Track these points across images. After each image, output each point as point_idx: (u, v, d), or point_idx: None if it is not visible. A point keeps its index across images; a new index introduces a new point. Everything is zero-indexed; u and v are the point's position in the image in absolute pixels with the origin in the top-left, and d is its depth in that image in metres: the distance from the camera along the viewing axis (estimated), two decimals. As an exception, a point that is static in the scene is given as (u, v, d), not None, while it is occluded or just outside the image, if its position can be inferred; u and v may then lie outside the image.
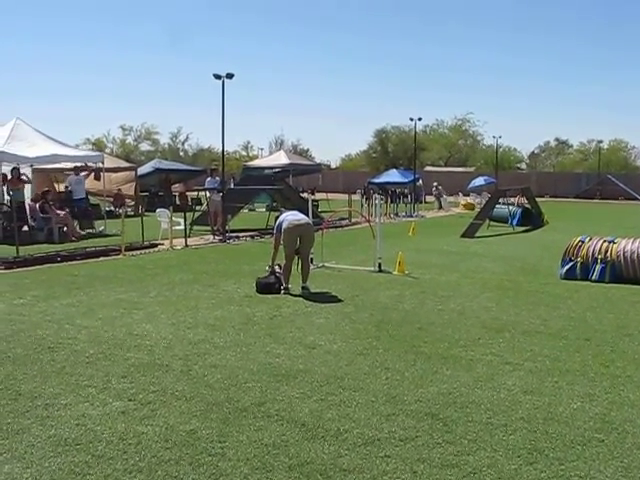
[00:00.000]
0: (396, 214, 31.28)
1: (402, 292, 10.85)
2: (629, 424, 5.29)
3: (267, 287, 10.77)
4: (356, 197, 33.58)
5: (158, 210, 20.44)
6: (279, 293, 10.64)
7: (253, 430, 5.13)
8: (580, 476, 4.42)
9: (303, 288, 10.76)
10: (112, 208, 27.06)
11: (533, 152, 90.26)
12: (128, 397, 5.83)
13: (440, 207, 37.99)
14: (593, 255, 12.43)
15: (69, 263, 14.24)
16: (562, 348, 7.55)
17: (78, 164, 22.75)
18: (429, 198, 41.67)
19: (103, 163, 22.94)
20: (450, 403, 5.72)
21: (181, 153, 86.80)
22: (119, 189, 29.17)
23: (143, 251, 16.35)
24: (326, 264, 13.67)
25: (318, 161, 72.05)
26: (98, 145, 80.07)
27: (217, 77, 19.67)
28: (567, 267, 12.60)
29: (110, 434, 5.01)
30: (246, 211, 28.08)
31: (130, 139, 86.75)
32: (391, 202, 32.62)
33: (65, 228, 19.08)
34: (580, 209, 39.36)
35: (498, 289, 11.29)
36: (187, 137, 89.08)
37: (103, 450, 4.74)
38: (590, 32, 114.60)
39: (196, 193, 27.22)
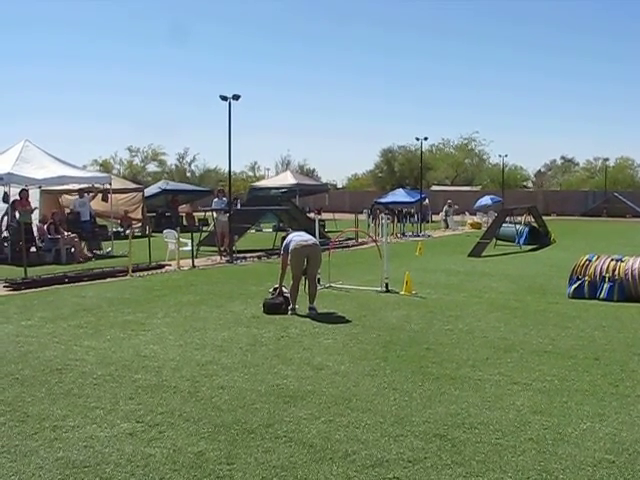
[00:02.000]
0: (403, 234, 31.29)
1: (409, 312, 10.83)
2: None
3: (274, 308, 10.77)
4: (363, 217, 33.61)
5: (165, 231, 20.50)
6: (286, 314, 10.63)
7: (261, 452, 5.12)
8: (590, 498, 4.39)
9: (310, 309, 10.75)
10: (119, 229, 27.15)
11: (539, 170, 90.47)
12: (136, 419, 5.83)
13: (447, 226, 37.97)
14: (601, 274, 12.39)
15: (77, 284, 14.28)
16: (571, 368, 7.52)
17: (84, 186, 22.87)
18: (435, 217, 41.68)
19: (110, 184, 23.07)
20: (458, 424, 5.70)
21: (188, 174, 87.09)
22: (126, 210, 29.28)
23: (150, 272, 16.39)
24: (333, 284, 13.66)
25: (324, 181, 72.19)
26: (105, 166, 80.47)
27: (224, 98, 19.76)
28: (575, 286, 12.56)
29: (118, 456, 5.00)
30: (253, 231, 28.11)
31: (137, 160, 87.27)
32: (398, 222, 32.66)
33: (73, 249, 19.15)
34: (587, 227, 39.27)
35: (506, 308, 11.26)
36: (194, 158, 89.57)
37: (111, 472, 4.73)
38: (594, 50, 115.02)
39: (203, 214, 27.29)
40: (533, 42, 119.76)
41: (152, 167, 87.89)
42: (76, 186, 22.95)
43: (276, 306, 10.79)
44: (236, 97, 19.75)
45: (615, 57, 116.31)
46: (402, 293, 12.73)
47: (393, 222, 31.58)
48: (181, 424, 5.71)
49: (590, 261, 12.77)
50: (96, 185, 23.22)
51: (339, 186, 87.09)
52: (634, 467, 4.84)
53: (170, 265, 17.57)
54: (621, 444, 5.26)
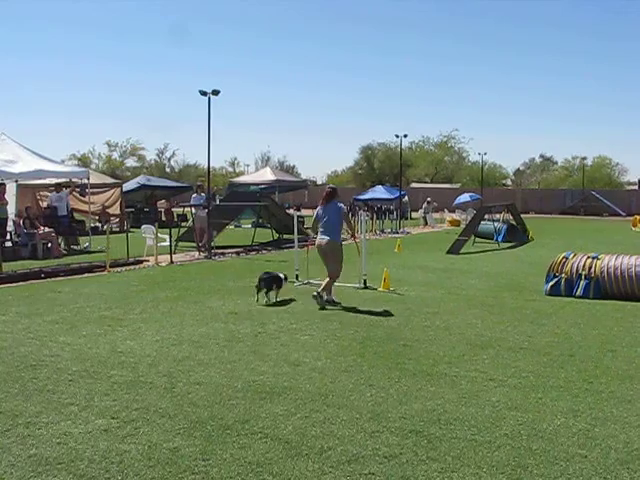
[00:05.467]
0: (382, 230, 31.34)
1: (387, 309, 10.84)
2: (612, 440, 5.30)
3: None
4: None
5: (143, 226, 20.40)
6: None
7: (237, 448, 5.10)
8: (564, 493, 4.42)
9: (315, 295, 10.99)
10: (97, 224, 26.96)
11: (518, 169, 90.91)
12: (111, 415, 5.79)
13: (426, 223, 38.10)
14: (577, 271, 12.49)
15: (53, 280, 14.16)
16: (546, 364, 7.57)
17: (61, 180, 22.68)
18: (415, 214, 41.81)
19: (88, 179, 22.89)
20: (434, 420, 5.72)
21: (167, 169, 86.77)
22: (104, 205, 29.09)
23: (128, 268, 16.29)
24: (311, 281, 13.65)
25: (304, 177, 72.29)
26: (84, 161, 79.94)
27: (203, 93, 19.69)
28: (551, 283, 12.65)
29: (92, 453, 4.97)
30: (232, 227, 28.05)
31: (116, 155, 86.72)
32: (377, 218, 32.72)
33: (49, 244, 18.99)
34: (565, 225, 39.55)
35: (483, 305, 11.32)
36: (173, 153, 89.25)
37: (85, 469, 4.69)
38: (574, 48, 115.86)
39: (182, 209, 27.19)
40: (513, 40, 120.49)
41: (131, 162, 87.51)
42: (53, 180, 22.75)
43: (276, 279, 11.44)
44: (215, 92, 19.69)
45: (594, 56, 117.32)
46: (380, 290, 12.76)
47: (372, 219, 31.64)
48: (157, 420, 5.68)
49: (567, 259, 12.87)
50: (74, 180, 23.03)
51: (319, 182, 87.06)
52: (606, 462, 4.88)
53: (148, 261, 17.49)
54: (594, 439, 5.31)
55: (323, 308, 10.78)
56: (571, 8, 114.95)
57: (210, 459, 4.89)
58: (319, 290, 11.06)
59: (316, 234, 11.76)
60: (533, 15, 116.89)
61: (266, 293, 11.22)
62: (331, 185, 13.24)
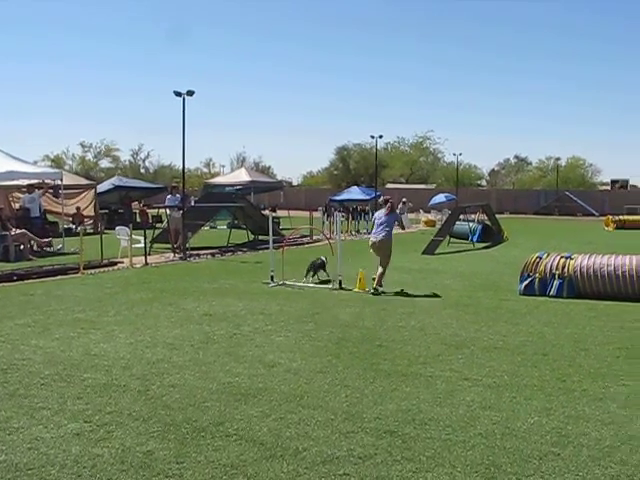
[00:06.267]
0: (357, 231, 31.39)
1: (362, 309, 10.86)
2: (584, 437, 5.35)
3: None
4: (318, 214, 33.63)
5: (117, 228, 20.24)
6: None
7: (211, 450, 5.08)
8: (537, 491, 4.45)
9: (374, 290, 12.53)
10: (71, 226, 26.73)
11: (493, 169, 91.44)
12: (84, 419, 5.73)
13: (401, 224, 38.16)
14: (551, 271, 12.59)
15: (25, 282, 14.01)
16: (520, 363, 7.62)
17: (34, 181, 22.44)
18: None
19: (62, 180, 22.66)
20: (409, 420, 5.73)
21: (142, 170, 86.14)
22: (78, 207, 28.83)
23: (102, 269, 16.16)
24: (287, 282, 13.64)
25: (280, 178, 72.19)
26: (57, 162, 79.13)
27: (177, 94, 19.58)
28: (526, 283, 12.74)
29: (64, 457, 4.91)
30: (207, 229, 27.93)
31: (90, 156, 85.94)
32: (352, 219, 32.75)
33: (22, 246, 18.77)
34: (539, 225, 39.87)
35: (458, 306, 11.37)
36: (148, 154, 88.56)
37: (56, 474, 4.64)
38: (548, 49, 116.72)
39: (156, 210, 27.05)
40: (487, 41, 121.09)
41: (105, 163, 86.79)
42: (26, 182, 22.50)
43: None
44: (190, 93, 19.59)
45: (568, 57, 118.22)
46: (355, 290, 12.76)
47: (348, 220, 31.66)
48: (130, 423, 5.63)
49: (541, 258, 12.97)
50: (47, 181, 22.79)
51: (294, 183, 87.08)
52: (578, 459, 4.92)
53: (122, 262, 17.36)
54: (567, 437, 5.35)
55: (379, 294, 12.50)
56: (541, 8, 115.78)
57: (184, 462, 4.86)
58: (376, 285, 12.64)
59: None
60: (505, 15, 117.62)
61: (313, 275, 14.11)
62: (389, 197, 15.03)
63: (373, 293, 12.43)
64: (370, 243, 13.47)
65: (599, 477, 4.65)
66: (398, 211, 38.52)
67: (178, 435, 5.38)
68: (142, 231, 19.40)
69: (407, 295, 12.46)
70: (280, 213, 37.61)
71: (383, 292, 12.55)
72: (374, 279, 12.75)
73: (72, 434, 5.37)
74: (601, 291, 12.24)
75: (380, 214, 13.54)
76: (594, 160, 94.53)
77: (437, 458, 4.95)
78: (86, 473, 4.66)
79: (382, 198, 14.34)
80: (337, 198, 44.36)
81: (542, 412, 5.97)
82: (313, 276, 14.13)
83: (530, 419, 5.79)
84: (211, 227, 30.52)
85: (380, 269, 12.87)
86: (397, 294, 12.60)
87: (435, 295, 12.51)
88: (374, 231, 13.45)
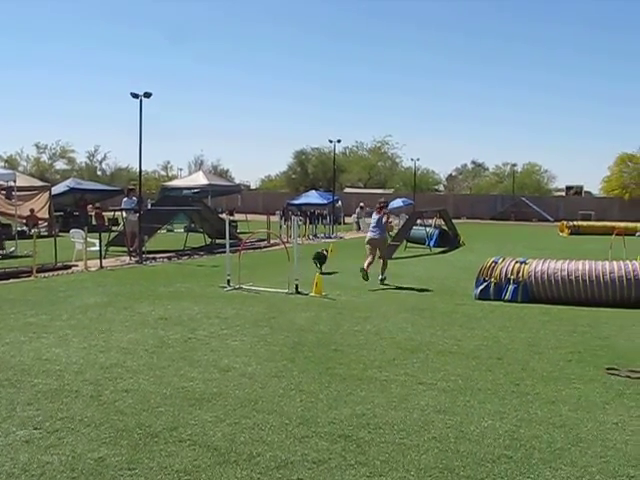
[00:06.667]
0: (315, 235, 31.43)
1: (318, 314, 10.86)
2: (536, 440, 5.41)
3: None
4: (275, 218, 33.60)
5: (72, 231, 19.97)
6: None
7: (164, 456, 5.02)
8: (489, 494, 4.48)
9: (381, 279, 14.77)
10: (24, 228, 26.28)
11: (451, 174, 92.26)
12: (33, 425, 5.62)
13: (359, 228, 38.34)
14: (506, 276, 12.74)
15: (-24, 286, 13.72)
16: (475, 367, 7.69)
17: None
18: (348, 219, 42.05)
19: (15, 182, 22.30)
20: (364, 424, 5.73)
21: (99, 172, 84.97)
22: (32, 209, 28.36)
23: (56, 273, 15.91)
24: (243, 286, 13.58)
25: (238, 182, 71.82)
26: (11, 163, 77.65)
27: (134, 96, 19.41)
28: (481, 287, 12.86)
29: (12, 465, 4.80)
30: (164, 232, 27.71)
31: (45, 157, 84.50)
32: (310, 223, 32.79)
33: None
34: (495, 230, 40.35)
35: (414, 310, 11.43)
36: (105, 156, 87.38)
37: (4, 482, 4.55)
38: (506, 54, 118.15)
39: (112, 213, 26.75)
40: (444, 46, 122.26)
41: (61, 165, 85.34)
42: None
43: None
44: (147, 95, 19.43)
45: (524, 63, 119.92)
46: (312, 295, 12.76)
47: (305, 224, 31.69)
48: (82, 429, 5.54)
49: (496, 263, 13.11)
50: (-1, 182, 22.40)
51: (252, 187, 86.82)
52: (530, 462, 4.98)
53: (77, 266, 17.11)
54: (519, 440, 5.41)
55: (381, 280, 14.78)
56: (494, 15, 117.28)
57: (136, 468, 4.79)
58: (382, 276, 14.93)
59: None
60: (461, 21, 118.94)
61: (318, 264, 16.71)
62: (383, 200, 16.94)
63: (381, 281, 14.81)
64: (367, 239, 15.35)
65: (549, 479, 4.70)
66: (355, 215, 39.25)
67: (130, 441, 5.30)
68: (98, 234, 19.15)
69: (330, 299, 12.48)
70: (238, 217, 37.48)
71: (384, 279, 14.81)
72: (362, 269, 14.49)
73: (21, 441, 5.26)
74: (555, 296, 12.42)
75: (374, 215, 15.62)
76: (549, 166, 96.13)
77: (391, 462, 4.96)
78: (35, 481, 4.57)
79: (379, 201, 16.30)
80: (295, 202, 44.38)
81: (495, 415, 6.02)
82: (318, 265, 16.72)
83: (484, 422, 5.83)
84: (168, 230, 30.28)
85: (381, 261, 15.08)
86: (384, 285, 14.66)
87: (391, 299, 12.55)
88: (370, 229, 15.50)
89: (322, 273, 15.39)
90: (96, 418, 5.81)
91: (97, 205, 33.67)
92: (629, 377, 7.29)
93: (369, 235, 15.39)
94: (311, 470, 4.79)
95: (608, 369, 7.60)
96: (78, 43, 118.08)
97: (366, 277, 14.33)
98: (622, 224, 34.97)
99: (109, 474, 4.68)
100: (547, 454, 5.14)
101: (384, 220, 15.28)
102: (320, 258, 16.92)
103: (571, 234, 37.26)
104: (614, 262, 12.87)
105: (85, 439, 5.33)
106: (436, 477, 4.71)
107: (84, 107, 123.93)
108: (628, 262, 12.75)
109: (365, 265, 14.63)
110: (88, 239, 18.01)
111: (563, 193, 70.26)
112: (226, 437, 5.41)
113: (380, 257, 15.17)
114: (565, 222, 40.21)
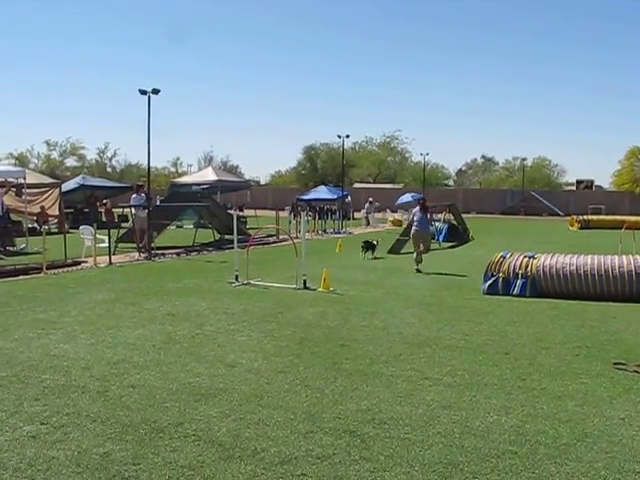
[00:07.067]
0: (324, 231, 31.41)
1: (326, 309, 10.86)
2: (542, 435, 5.40)
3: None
4: (285, 214, 33.60)
5: (82, 227, 20.04)
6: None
7: (169, 451, 5.04)
8: (493, 489, 4.47)
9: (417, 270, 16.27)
10: (35, 225, 26.39)
11: (460, 169, 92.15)
12: (40, 421, 5.65)
13: (368, 223, 38.31)
14: (514, 270, 12.70)
15: (-14, 282, 13.79)
16: (481, 362, 7.67)
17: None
18: (357, 214, 42.03)
19: (25, 179, 22.39)
20: (369, 420, 5.73)
21: (109, 169, 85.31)
22: (42, 206, 28.46)
23: (65, 269, 15.97)
24: (251, 281, 13.59)
25: (247, 177, 72.00)
26: (21, 160, 77.96)
27: (143, 92, 19.43)
28: (489, 282, 12.83)
29: (18, 460, 4.83)
30: (173, 228, 27.77)
31: (55, 154, 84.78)
32: (319, 219, 32.77)
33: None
34: (505, 225, 40.23)
35: (422, 305, 11.42)
36: (115, 153, 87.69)
37: (9, 478, 4.56)
38: (513, 49, 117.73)
39: (121, 210, 26.83)
40: (454, 42, 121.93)
41: (71, 162, 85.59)
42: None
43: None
44: (156, 91, 19.44)
45: (534, 57, 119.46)
46: (320, 290, 12.76)
47: (314, 219, 31.68)
48: (88, 425, 5.57)
49: (504, 258, 13.07)
50: (9, 179, 22.47)
51: (262, 183, 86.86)
52: (535, 457, 4.97)
53: (86, 262, 17.17)
54: (524, 436, 5.40)
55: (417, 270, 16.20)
56: (507, 9, 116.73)
57: (141, 463, 4.81)
58: (418, 266, 16.42)
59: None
60: (470, 16, 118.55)
61: (365, 252, 19.39)
62: (423, 197, 20.46)
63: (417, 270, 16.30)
64: (413, 232, 17.15)
65: (554, 474, 4.69)
66: (365, 210, 39.19)
67: (136, 436, 5.33)
68: (107, 230, 19.20)
69: (338, 294, 12.47)
70: (247, 212, 37.53)
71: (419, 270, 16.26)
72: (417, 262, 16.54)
73: (28, 436, 5.29)
74: (563, 290, 12.38)
75: (416, 211, 17.29)
76: (560, 160, 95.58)
77: (395, 457, 4.96)
78: (40, 476, 4.59)
79: (419, 199, 19.44)
80: (305, 197, 44.36)
81: (501, 411, 6.01)
82: (365, 253, 19.33)
83: (489, 418, 5.83)
84: (177, 226, 30.35)
85: (422, 249, 16.73)
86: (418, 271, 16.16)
87: (399, 294, 12.54)
88: (415, 224, 17.05)
89: (374, 258, 19.12)
90: (102, 413, 5.84)
91: (104, 201, 33.70)
92: (637, 372, 7.26)
93: (414, 228, 17.10)
94: (315, 466, 4.80)
95: (616, 364, 7.57)
96: (89, 40, 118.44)
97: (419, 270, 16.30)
98: (632, 218, 34.80)
99: (114, 469, 4.71)
100: (552, 449, 5.13)
101: (428, 217, 17.50)
102: (370, 246, 19.49)
103: (581, 228, 37.13)
104: (623, 256, 12.82)
105: (91, 434, 5.36)
106: (440, 472, 4.71)
107: (95, 104, 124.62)
108: (637, 256, 12.69)
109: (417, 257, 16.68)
110: (97, 235, 18.06)
111: (573, 187, 69.93)
112: (231, 432, 5.42)
113: (423, 247, 16.81)
114: (575, 216, 40.08)
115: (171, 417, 5.77)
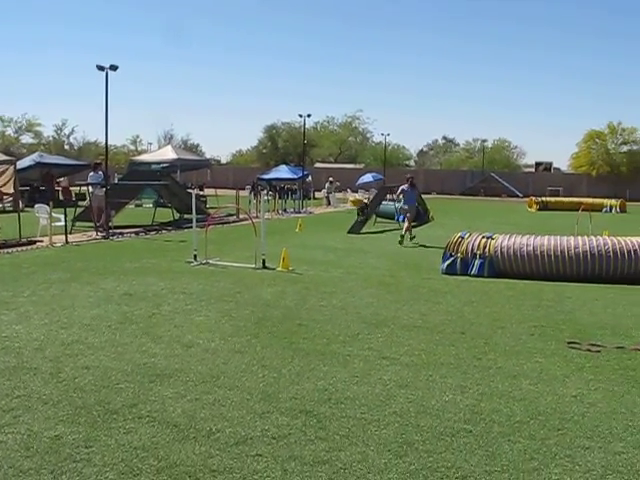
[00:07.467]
0: (284, 210, 31.34)
1: (285, 289, 10.82)
2: (496, 414, 5.44)
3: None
4: (245, 193, 33.42)
5: (36, 206, 19.69)
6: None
7: (122, 433, 4.97)
8: (447, 466, 4.49)
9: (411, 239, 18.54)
10: (-12, 204, 25.84)
11: (421, 150, 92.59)
12: (-11, 403, 5.53)
13: (329, 203, 38.31)
14: (472, 251, 12.79)
15: (-63, 261, 13.48)
16: (438, 342, 7.71)
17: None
18: (318, 194, 41.98)
19: (-23, 156, 21.86)
20: (325, 399, 5.72)
21: (66, 146, 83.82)
22: (-3, 184, 27.86)
23: (20, 248, 15.68)
24: (210, 261, 13.49)
25: (208, 156, 71.34)
26: (-26, 137, 76.31)
27: (100, 68, 19.13)
28: (448, 262, 12.91)
29: (-35, 443, 4.72)
30: (132, 207, 27.43)
31: (10, 131, 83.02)
32: (279, 198, 32.68)
33: None
34: (464, 206, 40.56)
35: (380, 285, 11.44)
36: (73, 130, 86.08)
37: (-44, 461, 4.46)
38: (473, 31, 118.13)
39: (78, 188, 26.43)
40: (415, 22, 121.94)
41: (27, 138, 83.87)
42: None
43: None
44: (114, 67, 19.16)
45: (494, 38, 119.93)
46: (279, 269, 12.70)
47: (275, 198, 31.58)
48: (39, 407, 5.46)
49: (462, 238, 13.15)
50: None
51: (223, 162, 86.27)
52: (489, 435, 5.00)
53: (42, 241, 16.88)
54: (479, 414, 5.43)
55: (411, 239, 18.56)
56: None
57: (93, 446, 4.74)
58: (403, 232, 18.40)
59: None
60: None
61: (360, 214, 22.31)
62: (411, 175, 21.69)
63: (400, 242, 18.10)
64: (400, 206, 19.77)
65: (507, 452, 4.73)
66: (325, 190, 39.18)
67: (89, 418, 5.24)
68: (63, 209, 18.88)
69: (297, 273, 12.45)
70: (207, 191, 37.24)
71: (414, 237, 18.64)
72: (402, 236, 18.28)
73: (-24, 419, 5.17)
74: (521, 271, 12.51)
75: (405, 187, 19.27)
76: (520, 142, 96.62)
77: (351, 437, 4.95)
78: (-12, 460, 4.49)
79: (407, 176, 20.85)
80: (265, 177, 44.20)
81: (457, 390, 6.05)
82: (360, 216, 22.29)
83: (445, 397, 5.85)
84: (136, 205, 30.00)
85: (406, 223, 18.71)
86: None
87: (358, 274, 12.55)
88: (404, 200, 19.24)
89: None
90: (54, 396, 5.73)
91: (61, 179, 33.10)
92: (589, 350, 7.37)
93: (402, 205, 19.40)
94: (270, 446, 4.77)
95: (569, 343, 7.67)
96: (47, 19, 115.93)
97: (406, 239, 18.33)
98: (589, 200, 35.31)
99: (65, 452, 4.62)
100: (506, 427, 5.17)
101: (416, 193, 19.79)
102: (364, 207, 22.73)
103: (539, 210, 37.63)
104: (579, 237, 12.99)
105: (42, 417, 5.25)
106: (395, 452, 4.72)
107: (52, 82, 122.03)
108: (593, 237, 12.87)
109: (403, 231, 18.51)
110: (54, 214, 17.76)
111: (532, 169, 70.73)
112: (186, 413, 5.36)
113: (407, 219, 18.82)
114: (534, 198, 40.55)
115: (125, 398, 5.69)
